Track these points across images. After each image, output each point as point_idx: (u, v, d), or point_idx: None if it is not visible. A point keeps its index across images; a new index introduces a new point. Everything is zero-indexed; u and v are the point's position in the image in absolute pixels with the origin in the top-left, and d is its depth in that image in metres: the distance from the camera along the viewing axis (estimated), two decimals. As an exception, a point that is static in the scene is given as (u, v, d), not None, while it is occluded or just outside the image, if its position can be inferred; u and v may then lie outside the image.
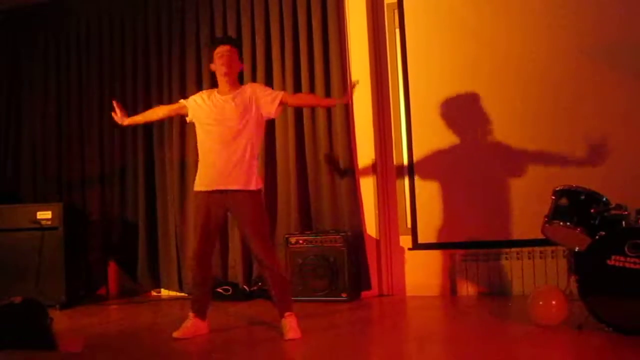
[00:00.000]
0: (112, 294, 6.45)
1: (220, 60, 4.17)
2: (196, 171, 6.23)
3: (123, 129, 6.65)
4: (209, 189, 4.11)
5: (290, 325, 3.98)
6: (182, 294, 6.28)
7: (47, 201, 6.36)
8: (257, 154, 4.25)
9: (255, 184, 4.10)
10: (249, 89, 4.22)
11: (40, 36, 7.08)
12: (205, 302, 4.24)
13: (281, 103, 4.18)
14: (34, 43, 7.10)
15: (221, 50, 4.19)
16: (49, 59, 7.04)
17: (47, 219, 5.72)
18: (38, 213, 5.75)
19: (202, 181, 4.17)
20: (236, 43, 4.36)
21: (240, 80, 4.40)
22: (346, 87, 5.76)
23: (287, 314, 4.04)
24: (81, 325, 4.88)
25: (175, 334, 4.08)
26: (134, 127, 6.62)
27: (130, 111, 6.55)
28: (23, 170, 7.02)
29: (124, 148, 6.68)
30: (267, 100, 4.15)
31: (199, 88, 6.33)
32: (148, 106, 6.52)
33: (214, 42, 4.50)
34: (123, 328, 4.74)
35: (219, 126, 4.10)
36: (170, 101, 6.45)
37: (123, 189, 6.67)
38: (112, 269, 6.61)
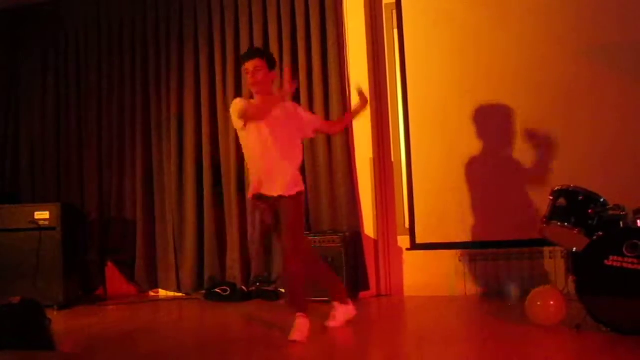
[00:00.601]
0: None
1: (247, 78, 4.21)
2: (194, 171, 6.26)
3: (121, 128, 6.69)
4: (264, 193, 4.14)
5: (296, 327, 3.91)
6: (180, 294, 6.28)
7: (45, 201, 6.36)
8: (300, 161, 4.33)
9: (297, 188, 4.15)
10: (291, 106, 4.31)
11: (38, 35, 7.06)
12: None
13: (317, 130, 4.42)
14: (32, 42, 7.08)
15: (245, 67, 4.18)
16: (48, 59, 7.03)
17: (45, 219, 5.72)
18: (36, 213, 5.74)
19: (257, 186, 4.18)
20: (261, 53, 4.25)
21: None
22: (344, 88, 5.77)
23: (297, 314, 3.97)
24: (79, 326, 4.87)
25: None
26: (132, 127, 6.62)
27: (129, 110, 6.64)
28: (21, 171, 7.01)
29: (122, 148, 6.67)
30: (308, 119, 4.38)
31: (197, 88, 6.34)
32: (147, 106, 6.57)
33: (241, 59, 4.47)
34: (121, 328, 4.74)
35: (265, 132, 4.09)
36: (168, 101, 6.47)
37: (121, 189, 6.65)
38: (111, 269, 6.60)
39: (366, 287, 5.60)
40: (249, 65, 4.12)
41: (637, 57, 4.95)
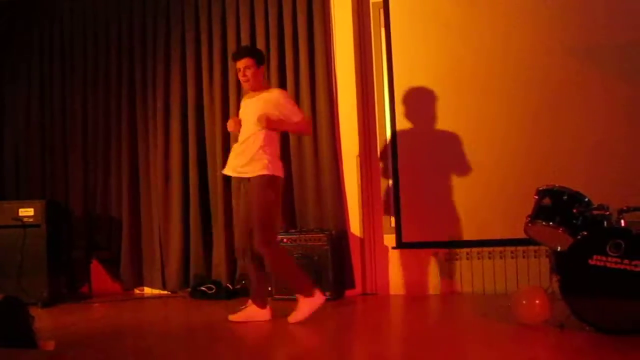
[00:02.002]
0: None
1: (239, 76, 4.51)
2: (180, 168, 6.25)
3: (107, 124, 6.65)
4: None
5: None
6: (166, 292, 6.26)
7: (30, 198, 6.31)
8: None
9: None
10: (275, 93, 4.51)
11: (24, 33, 6.99)
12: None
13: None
14: (17, 40, 7.02)
15: (237, 66, 4.49)
16: (33, 56, 6.97)
17: (29, 216, 5.67)
18: (20, 210, 5.69)
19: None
20: (249, 52, 4.58)
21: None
22: (331, 86, 5.76)
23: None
24: (63, 323, 4.84)
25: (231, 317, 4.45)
26: (118, 123, 6.59)
27: (114, 106, 6.60)
28: (5, 167, 6.95)
29: (108, 145, 6.63)
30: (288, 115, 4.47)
31: (183, 89, 6.30)
32: (132, 105, 6.53)
33: (232, 59, 4.76)
34: (106, 326, 4.71)
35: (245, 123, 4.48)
36: (154, 101, 6.43)
37: (106, 186, 6.62)
38: (96, 267, 6.56)
39: (352, 285, 5.60)
40: (240, 65, 4.45)
41: (623, 58, 4.99)
